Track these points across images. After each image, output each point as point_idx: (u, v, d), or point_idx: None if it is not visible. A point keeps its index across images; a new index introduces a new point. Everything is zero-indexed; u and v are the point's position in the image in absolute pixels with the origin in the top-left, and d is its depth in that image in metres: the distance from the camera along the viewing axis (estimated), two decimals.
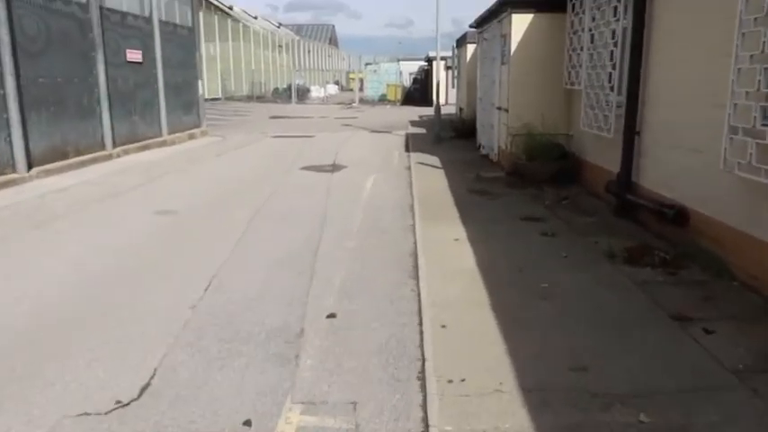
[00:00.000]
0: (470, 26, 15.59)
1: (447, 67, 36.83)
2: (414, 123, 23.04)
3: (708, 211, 6.00)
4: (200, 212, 8.46)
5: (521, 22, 10.53)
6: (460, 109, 19.23)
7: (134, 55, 14.85)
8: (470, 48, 17.95)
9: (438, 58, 17.44)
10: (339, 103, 41.21)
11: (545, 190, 9.58)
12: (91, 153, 12.80)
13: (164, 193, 9.96)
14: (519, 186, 9.92)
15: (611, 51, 8.13)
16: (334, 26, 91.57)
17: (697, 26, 6.27)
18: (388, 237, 7.11)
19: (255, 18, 63.86)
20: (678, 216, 6.42)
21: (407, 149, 14.97)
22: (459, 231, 7.13)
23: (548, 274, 5.60)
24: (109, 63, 13.50)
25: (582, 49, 9.31)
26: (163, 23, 16.37)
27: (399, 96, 41.24)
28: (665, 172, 6.98)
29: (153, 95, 15.92)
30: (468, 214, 7.99)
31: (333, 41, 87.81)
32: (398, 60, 48.86)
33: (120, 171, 11.96)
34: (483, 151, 13.29)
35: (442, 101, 37.64)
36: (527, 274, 5.59)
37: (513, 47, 10.57)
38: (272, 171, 11.91)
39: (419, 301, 5.06)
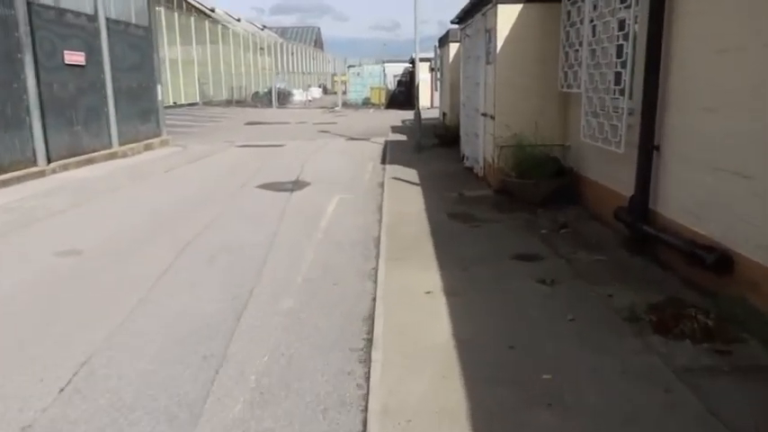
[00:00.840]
0: (452, 22, 13.99)
1: (432, 69, 35.27)
2: (395, 129, 21.41)
3: (762, 258, 4.40)
4: (114, 251, 6.75)
5: (508, 15, 8.91)
6: (443, 114, 17.63)
7: (75, 57, 13.11)
8: (453, 47, 16.34)
9: (417, 60, 15.80)
10: (321, 108, 39.52)
11: (539, 214, 7.97)
12: (18, 170, 11.06)
13: (83, 222, 8.25)
14: (508, 209, 8.29)
15: (620, 46, 6.52)
16: (319, 28, 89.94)
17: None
18: (340, 290, 5.45)
19: (238, 20, 62.09)
20: (719, 263, 4.82)
21: (384, 161, 13.33)
22: (434, 278, 5.50)
23: (550, 354, 3.97)
24: (41, 66, 11.77)
25: (581, 44, 7.70)
26: (112, 22, 14.63)
27: (383, 100, 39.60)
28: (695, 199, 5.37)
29: (100, 102, 14.18)
30: (446, 250, 6.35)
31: (318, 44, 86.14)
32: (383, 62, 47.24)
33: (46, 192, 10.23)
34: (467, 163, 11.68)
35: (426, 104, 36.16)
36: (521, 356, 3.96)
37: (500, 43, 8.95)
38: (223, 190, 10.22)
39: (365, 409, 3.43)
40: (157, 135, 16.99)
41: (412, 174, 11.18)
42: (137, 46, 16.00)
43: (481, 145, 10.39)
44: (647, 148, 5.99)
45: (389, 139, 18.08)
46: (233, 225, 7.83)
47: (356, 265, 6.13)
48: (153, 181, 11.26)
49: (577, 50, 7.93)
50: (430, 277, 5.52)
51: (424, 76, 35.78)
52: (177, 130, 22.36)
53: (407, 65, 44.27)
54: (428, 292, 5.18)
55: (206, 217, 8.19)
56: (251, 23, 66.36)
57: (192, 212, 8.56)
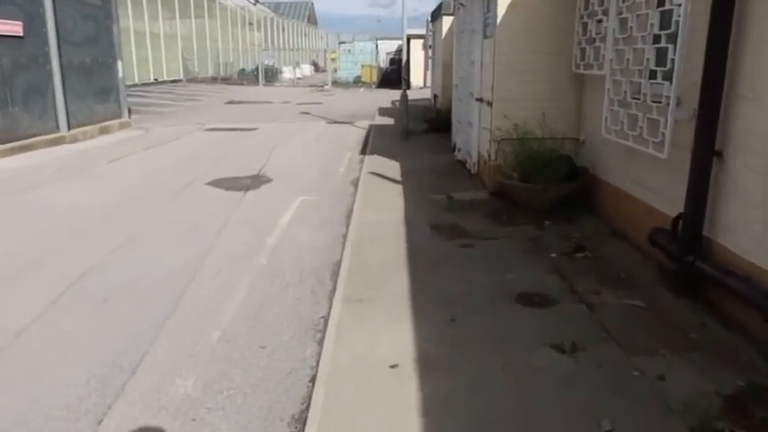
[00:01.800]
0: None
1: (425, 47, 33.28)
2: (383, 112, 19.57)
3: None
4: None
5: None
6: (434, 96, 15.82)
7: (9, 27, 11.23)
8: (446, 21, 14.47)
9: (405, 37, 13.91)
10: (311, 86, 37.48)
11: (547, 228, 6.27)
12: None
13: None
14: (507, 219, 6.59)
15: (666, 12, 4.77)
16: (312, 3, 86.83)
17: None
18: (268, 360, 3.74)
19: None
20: None
21: (364, 150, 11.56)
22: (405, 336, 3.84)
23: None
24: None
25: (606, 12, 5.94)
26: None
27: (375, 78, 37.59)
28: None
29: (43, 80, 12.32)
30: (426, 285, 4.68)
31: (312, 20, 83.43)
32: (377, 39, 45.12)
33: None
34: (458, 155, 9.94)
35: (419, 84, 34.19)
36: None
37: (501, 12, 7.17)
38: (166, 188, 8.46)
39: None
40: (117, 116, 15.13)
41: (394, 168, 9.45)
42: (91, 16, 14.08)
43: (475, 136, 8.65)
44: (705, 153, 4.28)
45: (375, 123, 16.26)
46: (154, 243, 6.08)
47: (301, 311, 4.43)
48: (86, 175, 9.46)
49: (600, 21, 6.16)
50: (400, 335, 3.85)
51: (417, 54, 33.83)
52: (150, 109, 20.50)
53: (401, 42, 42.25)
54: (394, 366, 3.51)
55: (126, 230, 6.44)
56: None
57: (111, 222, 6.81)
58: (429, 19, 17.32)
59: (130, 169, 9.93)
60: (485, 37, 8.00)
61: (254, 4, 67.32)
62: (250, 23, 50.50)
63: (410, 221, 6.50)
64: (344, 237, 6.09)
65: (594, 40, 6.34)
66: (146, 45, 32.82)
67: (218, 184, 8.59)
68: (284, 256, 5.62)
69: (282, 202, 7.56)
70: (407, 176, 8.81)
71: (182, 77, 37.59)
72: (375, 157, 10.54)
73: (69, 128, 13.02)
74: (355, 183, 8.60)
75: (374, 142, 12.42)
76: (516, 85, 7.31)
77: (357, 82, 38.55)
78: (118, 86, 15.22)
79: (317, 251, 5.75)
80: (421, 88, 33.20)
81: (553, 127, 7.06)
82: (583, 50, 6.72)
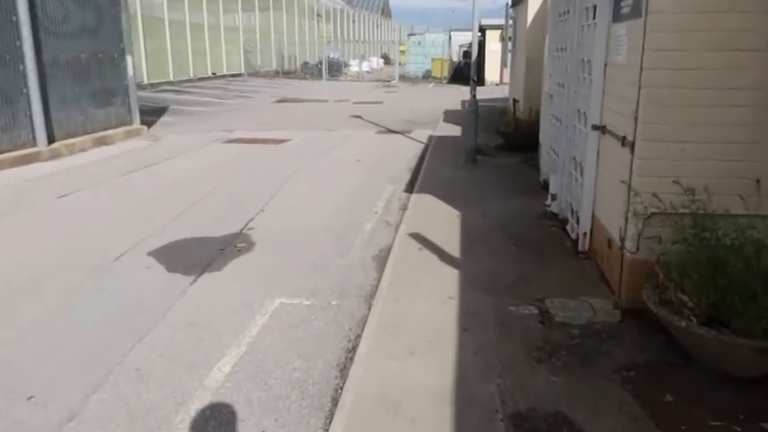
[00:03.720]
0: None
1: (502, 39, 29.17)
2: (449, 116, 15.92)
3: None
4: None
5: None
6: (514, 101, 12.06)
7: None
8: (533, 3, 10.69)
9: (475, 27, 10.15)
10: (376, 81, 34.16)
11: None
12: None
13: None
14: (679, 405, 2.97)
15: None
16: None
17: None
18: None
19: None
20: None
21: (413, 182, 8.04)
22: None
23: None
24: None
25: None
26: None
27: (446, 73, 33.77)
28: None
29: (11, 83, 9.54)
30: None
31: (385, 12, 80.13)
32: (450, 31, 41.21)
33: None
34: (552, 206, 6.26)
35: (495, 79, 30.08)
36: None
37: None
38: (78, 264, 5.28)
39: None
40: (124, 123, 12.29)
41: (449, 224, 5.93)
42: (90, 3, 11.23)
43: (590, 187, 4.98)
44: None
45: (437, 133, 12.68)
46: None
47: None
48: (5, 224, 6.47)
49: None
50: None
51: (493, 46, 29.76)
52: (189, 109, 17.79)
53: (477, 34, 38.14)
54: None
55: None
56: None
57: None
58: (509, 3, 13.56)
59: (68, 215, 6.79)
60: (617, 19, 4.33)
61: None
62: (318, 15, 47.65)
63: (465, 396, 3.01)
64: None
65: None
66: (203, 38, 30.44)
67: (165, 255, 5.32)
68: None
69: (242, 311, 4.19)
70: (469, 248, 5.27)
71: (243, 71, 35.15)
72: (425, 197, 7.04)
73: (51, 140, 10.21)
74: (381, 261, 5.12)
75: (429, 167, 8.89)
76: (689, 111, 3.63)
77: (427, 77, 34.87)
78: (126, 87, 12.37)
79: None
80: (497, 85, 29.19)
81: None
82: None
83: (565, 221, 5.85)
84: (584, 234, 5.07)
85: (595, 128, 4.77)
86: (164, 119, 15.86)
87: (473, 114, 9.21)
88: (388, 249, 5.37)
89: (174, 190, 7.78)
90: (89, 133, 11.24)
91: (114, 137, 11.72)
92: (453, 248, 5.30)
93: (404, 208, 6.74)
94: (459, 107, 18.93)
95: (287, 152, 10.69)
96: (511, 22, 13.71)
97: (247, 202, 7.07)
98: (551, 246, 5.44)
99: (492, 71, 29.27)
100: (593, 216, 4.98)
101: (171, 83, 25.99)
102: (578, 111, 5.52)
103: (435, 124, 14.32)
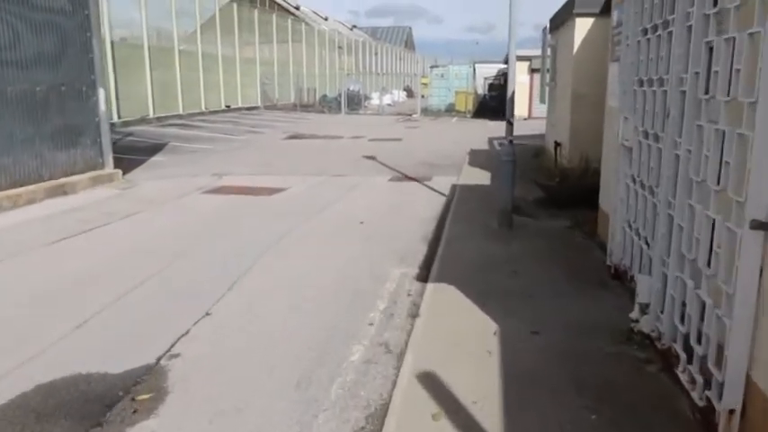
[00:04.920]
0: None
1: (532, 70, 27.14)
2: (476, 158, 13.75)
3: None
4: None
5: None
6: (556, 145, 9.84)
7: None
8: (582, 25, 8.56)
9: (512, 56, 7.93)
10: (397, 114, 32.31)
11: None
12: None
13: None
14: None
15: None
16: (410, 28, 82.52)
17: None
18: None
19: (326, 19, 56.08)
20: None
21: (429, 263, 5.82)
22: None
23: None
24: None
25: None
26: None
27: (470, 106, 31.75)
28: None
29: None
30: None
31: (409, 44, 79.12)
32: (474, 63, 39.39)
33: None
34: (643, 325, 3.99)
35: (522, 114, 27.91)
36: None
37: None
38: None
39: None
40: (93, 167, 10.35)
41: (483, 351, 3.71)
42: (51, 27, 9.41)
43: (742, 331, 2.71)
44: None
45: (461, 181, 10.50)
46: None
47: None
48: None
49: None
50: None
51: (521, 78, 27.68)
52: (188, 146, 15.98)
53: (502, 65, 36.17)
54: None
55: None
56: (340, 23, 60.31)
57: None
58: (546, 28, 11.44)
59: None
60: None
61: (351, 29, 63.67)
62: (340, 47, 46.27)
63: None
64: None
65: None
66: (217, 69, 28.93)
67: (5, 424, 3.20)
68: None
69: None
70: (518, 414, 3.03)
71: (259, 104, 33.57)
72: (445, 291, 4.82)
73: None
74: None
75: (452, 235, 6.66)
76: None
77: (450, 110, 32.89)
78: (97, 124, 10.45)
79: None
80: (525, 119, 27.06)
81: None
82: None
83: (667, 355, 3.57)
84: (731, 412, 2.78)
85: (761, 226, 2.53)
86: (155, 158, 13.99)
87: (509, 166, 6.98)
88: (382, 416, 3.15)
89: (105, 272, 5.67)
90: (44, 180, 9.30)
91: (77, 185, 9.76)
92: (490, 414, 3.06)
93: (413, 314, 4.52)
94: (485, 146, 16.80)
95: (276, 208, 8.59)
96: (549, 51, 11.57)
97: (193, 298, 4.91)
98: (657, 413, 3.15)
99: (520, 105, 27.15)
100: (749, 380, 2.72)
101: (180, 116, 24.32)
102: (694, 182, 3.30)
103: (459, 168, 12.16)
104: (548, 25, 11.51)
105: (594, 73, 7.48)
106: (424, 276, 5.41)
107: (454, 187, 9.87)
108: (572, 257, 5.94)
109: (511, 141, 7.00)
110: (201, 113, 26.35)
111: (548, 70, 11.19)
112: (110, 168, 10.72)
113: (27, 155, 9.06)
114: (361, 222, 7.56)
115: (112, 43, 20.14)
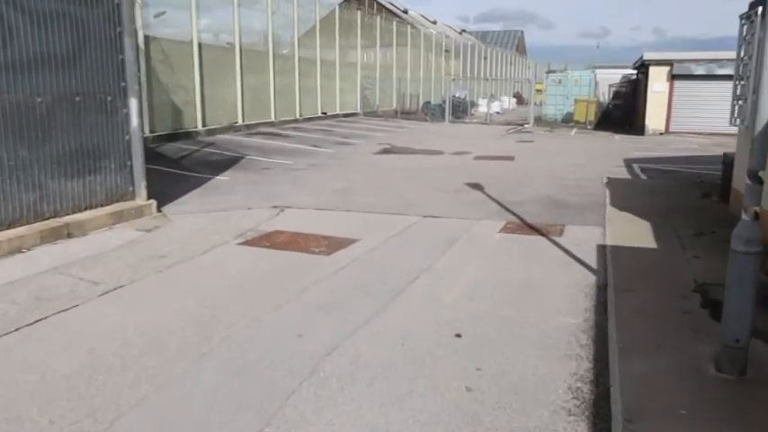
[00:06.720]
0: None
1: (672, 77, 22.51)
2: (620, 190, 10.07)
3: None
4: None
5: None
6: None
7: None
8: None
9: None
10: (506, 124, 28.64)
11: None
12: None
13: None
14: None
15: None
16: (522, 32, 77.50)
17: None
18: None
19: (434, 23, 53.10)
20: None
21: None
22: None
23: None
24: None
25: None
26: None
27: (592, 117, 27.43)
28: None
29: None
30: None
31: (520, 49, 74.29)
32: (594, 68, 34.74)
33: None
34: None
35: (659, 128, 23.15)
36: None
37: None
38: None
39: None
40: (120, 197, 7.95)
41: None
42: (65, 20, 7.06)
43: None
44: None
45: (608, 238, 6.99)
46: None
47: None
48: None
49: None
50: None
51: (658, 86, 23.10)
52: (263, 161, 13.65)
53: (629, 71, 31.33)
54: None
55: None
56: (448, 26, 57.05)
57: None
58: (746, 14, 7.59)
59: None
60: None
61: (460, 33, 60.15)
62: (447, 51, 42.99)
63: None
64: None
65: None
66: (314, 74, 26.72)
67: None
68: None
69: None
70: None
71: (358, 110, 31.13)
72: None
73: None
74: None
75: (629, 401, 3.34)
76: None
77: (568, 120, 28.72)
78: (127, 144, 8.03)
79: None
80: (660, 134, 22.51)
81: None
82: None
83: None
84: None
85: None
86: (221, 177, 11.62)
87: (747, 264, 3.51)
88: None
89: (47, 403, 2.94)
90: (44, 218, 6.95)
91: (88, 223, 7.33)
92: None
93: None
94: (623, 171, 12.97)
95: (328, 284, 5.58)
96: (748, 41, 7.73)
97: None
98: None
99: (656, 117, 22.66)
100: None
101: (271, 124, 22.22)
102: None
103: (599, 210, 8.61)
104: (745, 13, 7.66)
105: None
106: None
107: (603, 253, 6.41)
108: None
109: (757, 215, 3.52)
110: (295, 121, 24.18)
111: (747, 77, 7.37)
112: (141, 199, 8.27)
113: (21, 186, 6.73)
114: (458, 336, 4.36)
115: (200, 45, 18.32)
